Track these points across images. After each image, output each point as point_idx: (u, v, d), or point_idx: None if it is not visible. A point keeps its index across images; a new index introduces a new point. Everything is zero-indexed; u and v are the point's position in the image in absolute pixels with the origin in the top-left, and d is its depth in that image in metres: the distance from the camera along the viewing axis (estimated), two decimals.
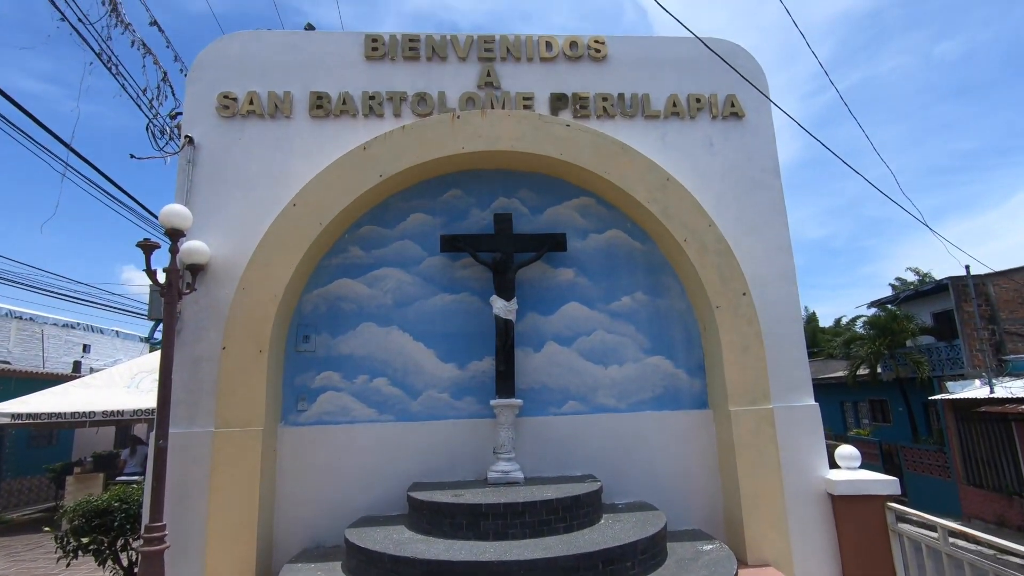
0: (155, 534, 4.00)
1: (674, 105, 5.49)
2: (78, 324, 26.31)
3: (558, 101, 5.41)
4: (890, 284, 32.97)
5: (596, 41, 5.59)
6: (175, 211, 4.39)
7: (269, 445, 4.58)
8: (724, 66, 5.42)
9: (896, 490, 4.60)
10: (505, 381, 4.79)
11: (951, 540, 3.90)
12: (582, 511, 3.99)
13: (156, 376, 13.43)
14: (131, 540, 5.44)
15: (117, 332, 29.41)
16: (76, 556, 5.10)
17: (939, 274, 28.66)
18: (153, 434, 4.34)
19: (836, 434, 24.12)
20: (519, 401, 4.78)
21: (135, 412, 12.46)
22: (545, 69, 5.53)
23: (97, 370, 21.56)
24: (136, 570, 5.22)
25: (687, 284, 5.24)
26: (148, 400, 12.50)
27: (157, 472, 4.10)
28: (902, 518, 4.52)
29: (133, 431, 18.45)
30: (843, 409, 26.69)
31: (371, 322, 5.07)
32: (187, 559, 4.26)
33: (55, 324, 23.99)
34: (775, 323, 5.01)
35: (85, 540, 5.02)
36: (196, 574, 4.25)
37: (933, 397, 17.73)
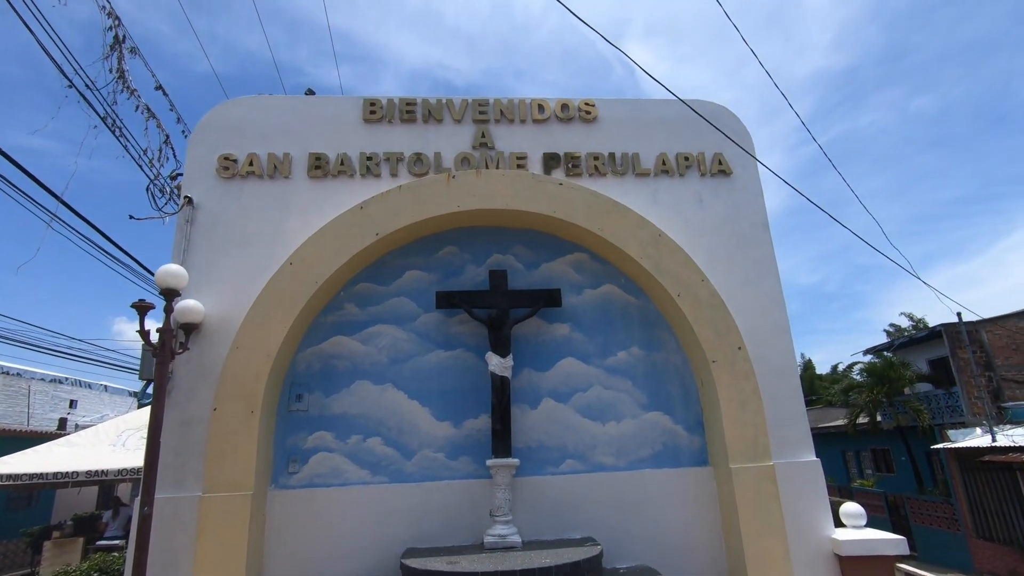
0: None
1: (663, 163, 5.65)
2: (66, 379, 25.90)
3: (551, 160, 5.56)
4: (884, 330, 33.15)
5: (586, 103, 5.80)
6: (171, 271, 4.41)
7: (258, 509, 4.44)
8: (711, 126, 5.62)
9: (905, 550, 4.48)
10: (501, 440, 4.71)
11: None
12: None
13: (143, 434, 13.08)
14: None
15: (106, 387, 28.93)
16: None
17: (932, 319, 28.90)
18: (138, 500, 4.21)
19: (839, 485, 23.58)
20: (516, 461, 4.68)
21: (120, 472, 12.05)
22: (537, 130, 5.71)
23: (83, 426, 21.05)
24: None
25: (682, 338, 5.25)
26: (134, 459, 12.15)
27: (140, 540, 3.95)
28: None
29: (116, 491, 17.85)
30: (845, 459, 26.21)
31: (366, 380, 5.02)
32: None
33: (42, 379, 23.59)
34: (772, 377, 5.00)
35: None
36: None
37: (935, 446, 17.47)
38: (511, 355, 4.92)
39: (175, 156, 5.83)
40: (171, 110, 6.96)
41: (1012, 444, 14.18)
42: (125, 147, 6.36)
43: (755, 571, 4.39)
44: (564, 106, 5.78)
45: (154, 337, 4.40)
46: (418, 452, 4.89)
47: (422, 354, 5.14)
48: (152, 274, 7.84)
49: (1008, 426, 16.12)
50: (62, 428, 20.84)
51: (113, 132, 6.14)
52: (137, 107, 5.76)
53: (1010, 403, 17.37)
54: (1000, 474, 15.27)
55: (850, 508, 4.83)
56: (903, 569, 4.40)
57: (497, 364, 4.85)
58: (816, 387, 34.78)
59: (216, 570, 4.13)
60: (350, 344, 5.10)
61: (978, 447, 15.25)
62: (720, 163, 5.70)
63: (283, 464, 4.77)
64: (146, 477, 4.09)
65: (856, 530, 4.73)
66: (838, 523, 4.86)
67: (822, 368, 41.11)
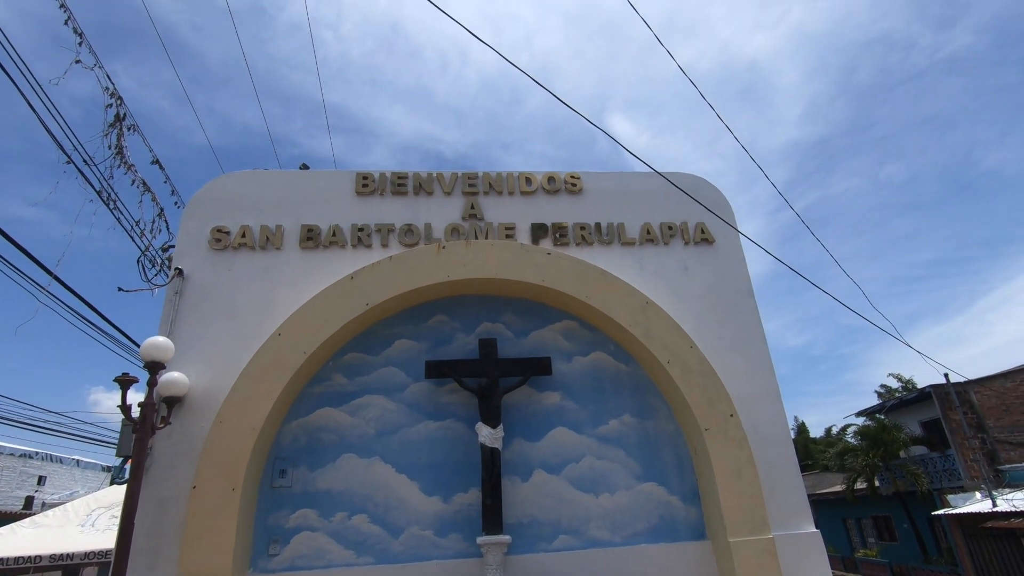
0: None
1: (648, 233, 5.82)
2: (37, 453, 24.86)
3: (539, 230, 5.71)
4: (876, 391, 33.09)
5: (572, 176, 6.03)
6: (156, 343, 4.36)
7: None
8: (694, 195, 5.84)
9: None
10: (492, 515, 4.55)
11: None
12: None
13: (115, 512, 12.48)
14: None
15: (78, 461, 27.75)
16: None
17: (920, 380, 28.96)
18: None
19: (842, 556, 22.76)
20: (507, 538, 4.51)
21: (87, 555, 11.35)
22: (525, 201, 5.90)
23: (51, 504, 19.95)
24: None
25: (674, 405, 5.21)
26: (103, 540, 11.47)
27: None
28: None
29: None
30: (846, 527, 25.42)
31: (352, 453, 4.89)
32: None
33: (11, 454, 22.60)
34: (765, 445, 4.95)
35: None
36: None
37: (937, 512, 17.07)
38: (501, 425, 4.85)
39: (168, 228, 5.91)
40: (165, 182, 7.11)
41: (1013, 509, 13.90)
42: (119, 219, 6.43)
43: None
44: (551, 179, 6.00)
45: (135, 412, 4.29)
46: (406, 530, 4.69)
47: (411, 425, 5.04)
48: (137, 345, 7.73)
49: (1007, 490, 15.86)
50: (28, 507, 19.75)
51: (108, 205, 6.23)
52: (133, 181, 5.88)
53: (1007, 466, 17.17)
54: (1004, 540, 14.88)
55: None
56: None
57: (487, 435, 4.77)
58: (811, 451, 34.22)
59: None
60: (337, 416, 5.00)
61: (980, 512, 14.92)
62: (703, 232, 5.88)
63: (263, 545, 4.54)
64: (118, 560, 3.87)
65: None
66: None
67: (816, 431, 40.62)
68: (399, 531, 4.69)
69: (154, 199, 5.86)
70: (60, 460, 26.27)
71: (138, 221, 5.76)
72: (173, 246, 5.55)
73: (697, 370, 5.03)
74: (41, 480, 24.56)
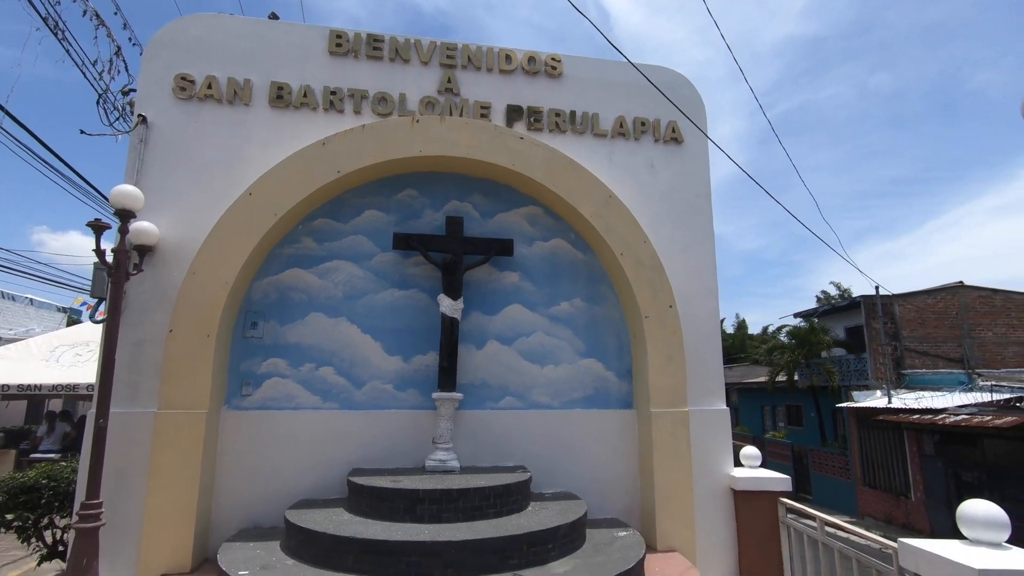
0: (91, 511, 4.05)
1: (621, 126, 5.90)
2: None
3: (514, 112, 5.70)
4: (816, 296, 35.38)
5: (553, 58, 5.91)
6: (126, 192, 4.39)
7: (212, 428, 4.67)
8: (669, 94, 5.87)
9: (788, 487, 5.21)
10: (447, 376, 5.07)
11: (826, 530, 4.50)
12: (512, 499, 4.34)
13: (79, 351, 12.84)
14: (58, 518, 5.37)
15: (31, 300, 27.54)
16: None
17: (858, 290, 31.07)
18: (91, 412, 4.37)
19: (755, 436, 25.73)
20: (459, 395, 5.08)
21: (54, 387, 11.87)
22: (503, 80, 5.81)
23: (7, 340, 20.16)
24: (62, 548, 5.19)
25: (621, 294, 5.67)
26: (68, 375, 11.94)
27: (96, 450, 4.14)
28: (791, 511, 5.13)
29: (48, 406, 17.47)
30: (763, 413, 28.47)
31: (320, 312, 5.23)
32: (122, 537, 4.32)
33: None
34: (697, 335, 5.53)
35: (9, 517, 4.93)
36: (131, 553, 4.32)
37: (840, 405, 19.30)
38: (462, 298, 5.22)
39: (127, 70, 5.60)
40: (116, 13, 6.57)
41: (903, 406, 15.88)
42: (68, 52, 6.03)
43: (662, 501, 5.03)
44: (531, 59, 5.87)
45: (108, 257, 4.43)
46: (368, 383, 5.20)
47: (376, 291, 5.36)
48: (91, 186, 7.58)
49: (904, 391, 17.96)
50: None
51: (56, 35, 5.80)
52: (85, 12, 5.45)
53: (909, 370, 19.27)
54: (890, 432, 17.15)
55: (748, 451, 5.53)
56: (785, 503, 5.15)
57: (448, 306, 5.15)
58: (747, 346, 36.94)
59: (170, 482, 4.39)
60: (306, 277, 5.26)
61: (875, 407, 17.00)
62: (674, 131, 6.00)
63: (237, 387, 4.98)
64: (101, 392, 4.23)
65: (751, 469, 5.44)
66: (738, 463, 5.57)
67: (754, 328, 43.65)
68: (362, 383, 5.19)
69: (109, 34, 5.48)
70: (12, 298, 26.04)
71: (95, 61, 5.42)
72: (134, 90, 5.33)
73: (647, 264, 5.43)
74: None
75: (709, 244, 5.84)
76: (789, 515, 5.13)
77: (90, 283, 5.02)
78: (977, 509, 2.79)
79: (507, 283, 5.59)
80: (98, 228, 4.17)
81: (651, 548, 4.84)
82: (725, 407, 5.54)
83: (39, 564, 5.38)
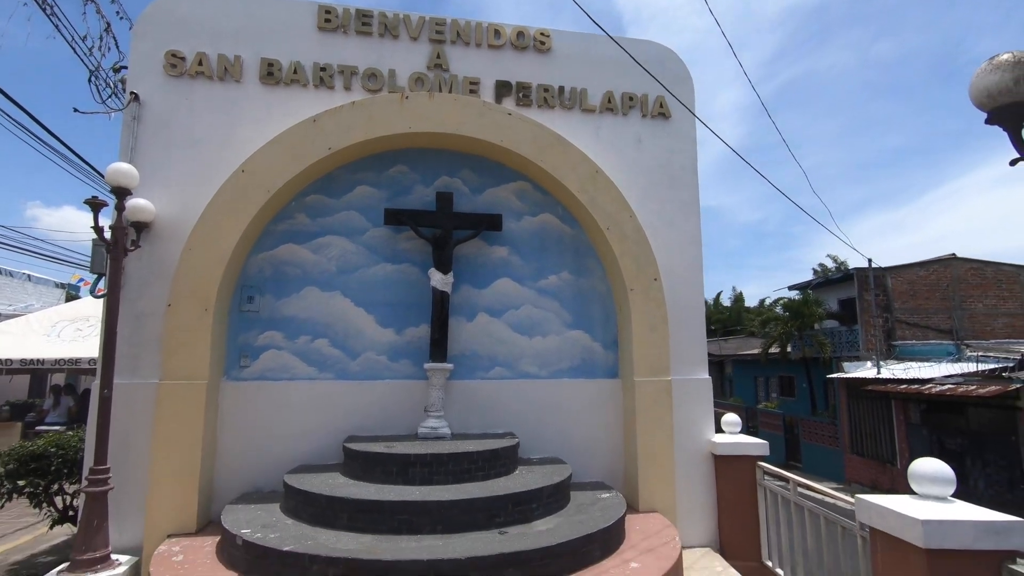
0: (99, 476, 4.26)
1: (609, 101, 5.96)
2: None
3: (503, 88, 5.77)
4: (813, 269, 35.55)
5: (542, 33, 5.95)
6: (122, 170, 4.49)
7: (212, 398, 4.87)
8: (656, 68, 5.90)
9: (766, 452, 5.44)
10: (438, 347, 5.25)
11: (799, 491, 4.74)
12: (499, 462, 4.56)
13: (79, 326, 13.02)
14: (67, 485, 5.60)
15: (29, 276, 27.63)
16: (11, 498, 5.24)
17: (854, 263, 31.22)
18: (96, 384, 4.55)
19: (748, 406, 26.21)
20: (450, 365, 5.27)
21: (56, 361, 12.09)
22: (493, 56, 5.85)
23: (6, 315, 20.34)
24: (71, 512, 5.44)
25: (607, 267, 5.82)
26: (70, 350, 12.12)
27: (101, 419, 4.33)
28: (768, 474, 5.38)
29: (51, 380, 17.74)
30: (756, 384, 28.94)
31: (315, 286, 5.38)
32: (129, 501, 4.55)
33: None
34: (681, 308, 5.69)
35: (21, 483, 5.16)
36: (138, 515, 4.55)
37: (830, 375, 19.65)
38: (452, 272, 5.37)
39: (117, 47, 5.62)
40: None
41: (891, 376, 16.20)
42: (57, 27, 6.04)
43: (645, 465, 5.27)
44: (520, 34, 5.90)
45: (106, 234, 4.55)
46: (362, 354, 5.38)
47: (369, 266, 5.50)
48: (81, 159, 7.64)
49: (893, 361, 18.28)
50: None
51: (44, 10, 5.81)
52: None
53: (899, 341, 19.57)
54: (878, 401, 17.51)
55: (729, 417, 5.75)
56: (762, 466, 5.39)
57: (439, 280, 5.30)
58: (743, 318, 37.26)
59: (173, 449, 4.60)
60: (300, 252, 5.40)
61: (864, 378, 17.32)
62: (661, 106, 6.06)
63: (235, 358, 5.16)
64: (105, 364, 4.41)
65: (731, 435, 5.68)
66: (719, 430, 5.80)
67: (752, 301, 43.94)
68: (356, 355, 5.38)
69: (98, 10, 5.49)
70: (10, 274, 26.13)
71: (85, 36, 5.45)
72: (125, 67, 5.37)
73: (632, 238, 5.56)
74: None
75: (695, 218, 5.96)
76: (766, 477, 5.38)
77: (88, 259, 5.14)
78: (926, 467, 2.99)
79: (496, 257, 5.73)
80: (95, 205, 4.28)
81: (633, 509, 5.09)
82: (707, 376, 5.74)
83: (51, 528, 5.63)
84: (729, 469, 5.47)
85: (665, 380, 5.42)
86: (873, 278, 19.28)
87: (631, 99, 6.01)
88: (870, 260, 18.25)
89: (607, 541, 4.00)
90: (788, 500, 4.82)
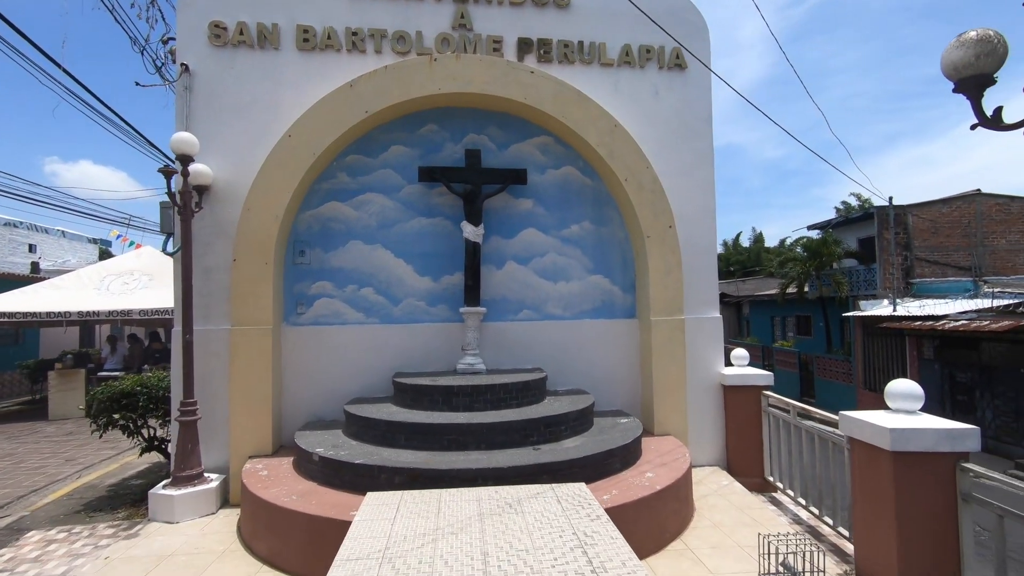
0: (189, 407, 5.00)
1: (627, 55, 6.20)
2: (21, 223, 25.63)
3: (524, 45, 6.03)
4: (836, 208, 35.11)
5: None
6: (184, 139, 4.99)
7: (276, 340, 5.53)
8: (672, 19, 6.09)
9: (770, 382, 5.99)
10: (472, 293, 5.81)
11: (798, 416, 5.30)
12: (530, 392, 5.19)
13: (124, 280, 13.95)
14: (152, 420, 6.41)
15: (63, 232, 28.72)
16: (107, 430, 6.05)
17: (878, 201, 30.78)
18: (176, 330, 5.23)
19: (764, 346, 26.77)
20: (483, 309, 5.84)
21: (110, 313, 13.04)
22: (514, 13, 6.08)
23: (49, 271, 21.46)
24: (157, 443, 6.27)
25: (625, 216, 6.24)
26: (120, 302, 13.01)
27: (187, 360, 5.03)
28: (772, 404, 5.94)
29: (101, 331, 18.95)
30: (773, 324, 29.37)
31: (358, 240, 5.92)
32: (214, 429, 5.31)
33: None
34: (695, 253, 6.12)
35: (116, 416, 5.95)
36: (222, 441, 5.32)
37: (846, 314, 19.99)
38: (482, 224, 5.86)
39: (163, 19, 5.97)
40: None
41: (906, 313, 16.50)
42: (111, 11, 6.39)
43: (659, 395, 5.87)
44: None
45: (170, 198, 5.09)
46: (404, 300, 5.97)
47: (406, 220, 6.01)
48: (129, 125, 8.12)
49: (910, 299, 18.51)
50: (35, 271, 21.26)
51: None
52: None
53: (917, 280, 19.71)
54: (892, 339, 17.90)
55: (737, 352, 6.28)
56: (767, 395, 5.95)
57: (470, 231, 5.80)
58: (763, 259, 37.22)
59: (247, 384, 5.30)
60: (343, 209, 5.91)
61: (880, 315, 17.65)
62: (678, 57, 6.28)
63: (292, 306, 5.79)
64: (184, 312, 5.07)
65: (740, 368, 6.22)
66: (730, 363, 6.34)
67: (772, 241, 43.70)
68: (398, 301, 5.97)
69: None
70: (46, 230, 27.23)
71: (132, 4, 5.81)
72: (173, 38, 5.75)
73: (649, 188, 5.95)
74: (32, 248, 25.79)
75: (709, 167, 6.29)
76: (770, 406, 5.95)
77: (157, 221, 5.70)
78: (898, 386, 3.50)
79: (522, 209, 6.18)
80: (168, 173, 4.81)
81: (649, 433, 5.73)
82: (718, 315, 6.24)
83: (140, 455, 6.49)
84: (737, 398, 6.05)
85: (679, 319, 5.94)
86: (893, 216, 19.24)
87: (648, 51, 6.23)
88: (891, 198, 18.18)
89: (626, 456, 4.64)
90: (788, 423, 5.39)
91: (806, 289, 22.95)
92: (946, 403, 15.95)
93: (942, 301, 16.90)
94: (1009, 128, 2.36)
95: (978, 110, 2.45)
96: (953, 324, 14.76)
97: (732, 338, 30.83)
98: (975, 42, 2.39)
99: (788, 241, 31.57)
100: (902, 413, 3.48)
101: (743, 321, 32.18)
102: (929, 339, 16.63)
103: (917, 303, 17.46)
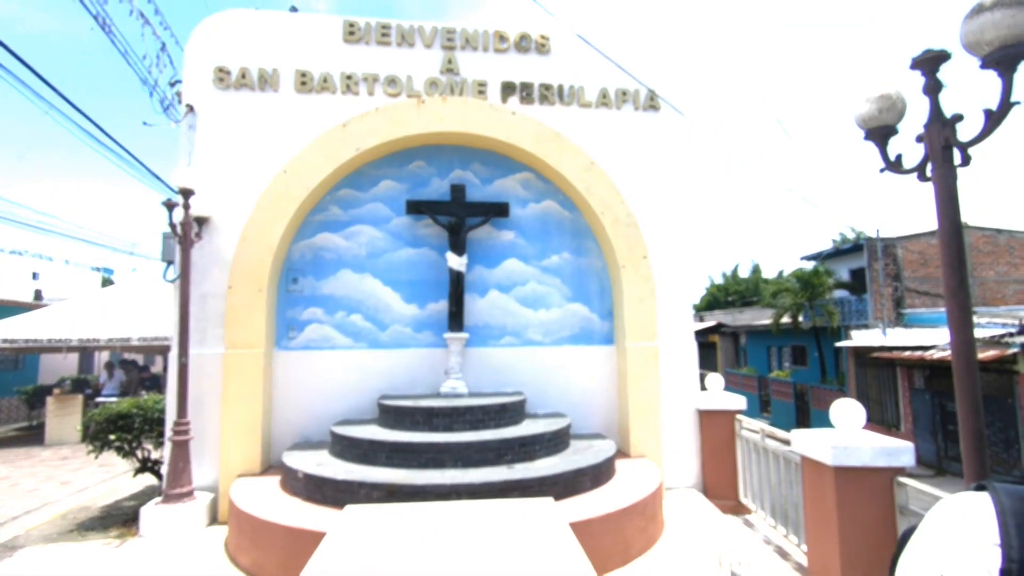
0: (182, 427, 5.24)
1: (604, 97, 6.62)
2: (25, 251, 26.08)
3: (508, 88, 6.46)
4: (832, 240, 35.55)
5: (543, 36, 6.60)
6: (187, 174, 5.36)
7: (267, 364, 5.80)
8: (647, 63, 6.52)
9: (743, 407, 6.22)
10: (456, 319, 6.10)
11: (766, 438, 5.52)
12: (508, 414, 5.43)
13: (122, 307, 14.27)
14: (145, 441, 6.63)
15: (67, 260, 29.19)
16: (103, 450, 6.27)
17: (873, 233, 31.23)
18: (172, 354, 5.50)
19: (760, 375, 26.85)
20: (466, 335, 6.12)
21: (109, 340, 13.32)
22: (498, 59, 6.53)
23: (53, 298, 21.83)
24: (151, 464, 6.48)
25: (603, 247, 6.57)
26: (120, 330, 13.30)
27: (181, 381, 5.30)
28: (745, 427, 6.16)
29: (98, 358, 19.19)
30: (769, 354, 29.49)
31: (348, 268, 6.24)
32: (205, 449, 5.53)
33: (0, 250, 23.79)
34: (670, 281, 6.43)
35: (112, 437, 6.18)
36: (213, 460, 5.54)
37: (838, 344, 20.18)
38: (466, 254, 6.19)
39: (171, 63, 6.44)
40: (156, 13, 7.34)
41: (896, 344, 16.71)
42: (121, 52, 6.86)
43: (635, 418, 6.09)
44: (523, 37, 6.56)
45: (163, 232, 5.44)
46: (390, 326, 6.26)
47: (394, 250, 6.34)
48: (130, 154, 8.56)
49: (901, 329, 18.73)
50: (38, 299, 21.63)
51: (106, 31, 6.64)
52: (131, 12, 6.26)
53: (908, 310, 19.96)
54: (884, 368, 18.06)
55: (712, 377, 6.52)
56: (740, 420, 6.17)
57: (455, 261, 6.12)
58: (761, 289, 37.50)
59: (239, 406, 5.55)
60: (335, 239, 6.25)
61: (871, 346, 17.85)
62: (652, 99, 6.70)
63: (284, 331, 6.08)
64: (181, 337, 5.35)
65: (714, 393, 6.45)
66: (705, 388, 6.57)
67: (771, 272, 44.06)
68: (385, 327, 6.26)
69: (155, 32, 6.31)
70: (49, 258, 27.72)
71: (144, 56, 6.27)
72: (180, 81, 6.19)
73: (624, 221, 6.29)
74: (34, 276, 26.24)
75: (686, 200, 6.63)
76: (744, 429, 6.16)
77: (160, 250, 6.05)
78: (842, 406, 3.75)
79: (504, 240, 6.52)
80: (170, 206, 5.17)
81: (625, 455, 5.94)
82: (692, 341, 6.50)
83: (134, 475, 6.68)
84: (711, 422, 6.27)
85: (653, 346, 6.21)
86: (883, 248, 19.63)
87: (624, 94, 6.66)
88: (877, 230, 18.59)
89: (597, 475, 4.86)
90: (759, 446, 5.61)
91: (800, 319, 23.20)
92: (938, 432, 16.03)
93: (931, 331, 17.12)
94: (906, 172, 2.69)
95: (884, 156, 2.78)
96: (940, 354, 14.96)
97: (729, 368, 30.94)
98: (877, 98, 2.73)
99: (785, 272, 31.97)
100: (845, 432, 3.73)
101: (740, 351, 32.29)
102: (919, 369, 16.79)
103: (908, 332, 17.68)
